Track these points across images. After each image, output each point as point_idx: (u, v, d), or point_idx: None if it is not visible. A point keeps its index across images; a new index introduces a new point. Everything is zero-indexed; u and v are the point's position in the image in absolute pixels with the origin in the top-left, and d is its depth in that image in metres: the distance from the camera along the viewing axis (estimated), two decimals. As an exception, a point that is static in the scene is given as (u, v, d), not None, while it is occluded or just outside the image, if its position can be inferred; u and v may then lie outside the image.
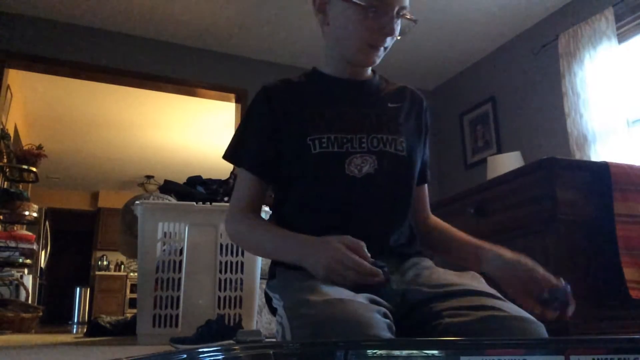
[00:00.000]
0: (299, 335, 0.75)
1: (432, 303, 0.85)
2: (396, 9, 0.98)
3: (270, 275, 1.06)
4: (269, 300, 1.05)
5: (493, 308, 0.79)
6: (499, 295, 0.86)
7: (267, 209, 2.33)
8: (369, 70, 1.13)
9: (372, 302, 0.79)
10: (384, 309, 0.78)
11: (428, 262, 1.02)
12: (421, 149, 1.11)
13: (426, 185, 1.20)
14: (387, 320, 0.75)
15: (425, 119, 1.14)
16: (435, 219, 1.18)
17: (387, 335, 0.72)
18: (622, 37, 3.27)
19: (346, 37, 1.02)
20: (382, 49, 1.02)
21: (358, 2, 0.97)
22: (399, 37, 1.02)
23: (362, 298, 0.78)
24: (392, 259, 0.97)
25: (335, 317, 0.71)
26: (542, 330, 0.77)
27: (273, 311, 1.02)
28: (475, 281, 0.92)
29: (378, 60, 1.05)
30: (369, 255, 0.85)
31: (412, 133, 1.08)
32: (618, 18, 3.22)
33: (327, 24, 1.06)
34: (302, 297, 0.79)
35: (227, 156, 1.11)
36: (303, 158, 1.00)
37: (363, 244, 0.86)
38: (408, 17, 1.01)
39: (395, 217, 1.04)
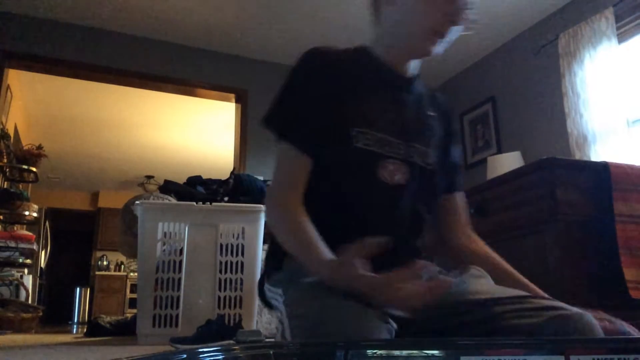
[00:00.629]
0: (297, 335, 0.75)
1: (488, 306, 0.82)
2: None
3: (274, 264, 0.97)
4: (261, 288, 0.99)
5: (553, 308, 0.78)
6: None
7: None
8: (416, 69, 1.05)
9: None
10: (386, 316, 0.75)
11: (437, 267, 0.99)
12: (446, 160, 1.06)
13: (459, 194, 1.09)
14: (388, 325, 0.74)
15: (453, 127, 1.10)
16: (476, 242, 1.05)
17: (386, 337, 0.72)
18: (622, 37, 3.27)
19: (410, 19, 0.95)
20: (445, 40, 0.95)
21: None
22: (461, 33, 0.96)
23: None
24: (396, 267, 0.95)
25: (333, 320, 0.71)
26: (598, 329, 0.78)
27: (265, 301, 0.99)
28: (488, 279, 0.92)
29: (437, 52, 0.97)
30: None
31: (440, 144, 1.04)
32: (618, 18, 3.22)
33: (390, 4, 0.99)
34: (305, 295, 0.78)
35: (273, 124, 0.96)
36: (341, 148, 0.92)
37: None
38: (472, 16, 0.95)
39: (412, 230, 1.00)
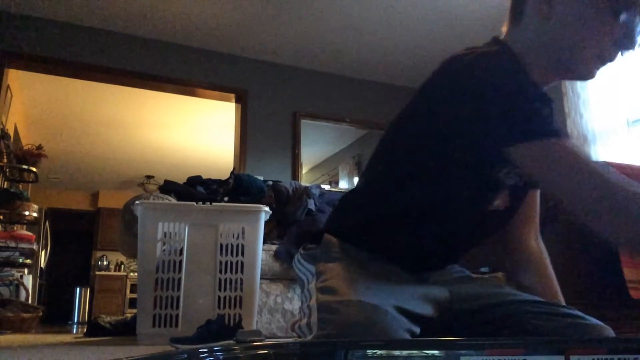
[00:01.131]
0: (324, 330, 0.75)
1: (506, 305, 0.85)
2: None
3: (313, 239, 0.96)
4: (295, 260, 0.99)
5: (571, 315, 0.82)
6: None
7: (266, 208, 2.34)
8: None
9: (403, 312, 0.77)
10: (413, 327, 0.77)
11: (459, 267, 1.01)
12: None
13: (537, 192, 1.02)
14: (410, 327, 0.77)
15: None
16: (539, 251, 1.02)
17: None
18: (622, 37, 3.27)
19: (574, 42, 0.84)
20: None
21: (612, 3, 0.80)
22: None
23: (394, 310, 0.76)
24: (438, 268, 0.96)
25: (362, 324, 0.72)
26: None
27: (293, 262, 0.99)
28: (505, 288, 0.93)
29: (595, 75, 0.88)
30: None
31: None
32: (618, 18, 3.22)
33: (547, 18, 0.86)
34: (338, 289, 0.78)
35: (543, 132, 0.76)
36: (488, 161, 0.84)
37: None
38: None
39: (481, 244, 0.98)
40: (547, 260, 1.01)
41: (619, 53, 0.85)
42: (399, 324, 0.75)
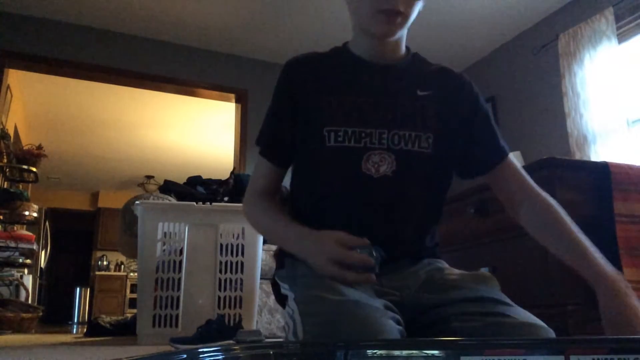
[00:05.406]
0: (310, 332, 0.74)
1: (442, 307, 0.85)
2: None
3: (279, 264, 1.02)
4: (276, 289, 1.00)
5: (502, 314, 0.79)
6: (509, 301, 0.84)
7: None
8: (402, 50, 1.02)
9: (387, 307, 0.78)
10: (397, 316, 0.77)
11: (442, 264, 0.99)
12: (457, 143, 0.99)
13: (507, 160, 1.01)
14: (400, 327, 0.76)
15: (467, 103, 1.00)
16: (544, 198, 0.96)
17: None
18: (622, 37, 3.27)
19: (358, 4, 0.93)
20: (399, 16, 0.91)
21: None
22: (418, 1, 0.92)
23: (378, 303, 0.78)
24: (405, 260, 0.95)
25: (349, 319, 0.71)
26: (551, 335, 0.77)
27: (280, 300, 1.00)
28: (488, 284, 0.90)
29: (398, 31, 0.94)
30: (365, 243, 0.83)
31: (444, 127, 0.97)
32: (618, 18, 3.22)
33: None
34: (317, 294, 0.78)
35: (257, 140, 1.05)
36: (317, 150, 0.94)
37: (356, 239, 0.83)
38: None
39: (415, 221, 0.97)
40: (557, 207, 0.95)
41: (397, 2, 0.88)
42: (382, 314, 0.74)
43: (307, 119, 0.97)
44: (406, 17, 0.92)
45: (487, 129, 1.02)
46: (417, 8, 0.94)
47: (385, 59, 0.99)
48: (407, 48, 1.03)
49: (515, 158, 1.06)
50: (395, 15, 0.91)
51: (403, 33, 0.97)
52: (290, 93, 1.00)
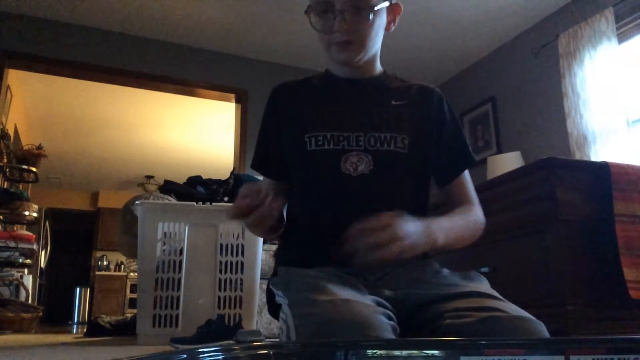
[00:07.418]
0: (303, 334, 0.75)
1: (435, 304, 0.85)
2: (337, 5, 1.00)
3: (273, 272, 1.07)
4: (271, 297, 1.03)
5: (494, 309, 0.79)
6: (500, 296, 0.86)
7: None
8: (377, 69, 1.12)
9: (378, 304, 0.79)
10: (388, 312, 0.78)
11: (433, 263, 1.01)
12: (432, 145, 1.06)
13: (462, 178, 1.10)
14: (392, 323, 0.76)
15: (438, 111, 1.08)
16: (467, 206, 1.07)
17: (391, 337, 0.72)
18: (622, 37, 3.27)
19: (318, 37, 1.07)
20: (351, 44, 1.01)
21: (307, 8, 1.05)
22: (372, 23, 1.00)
23: (369, 300, 0.79)
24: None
25: (340, 317, 0.72)
26: (543, 329, 0.77)
27: (274, 309, 1.02)
28: (478, 282, 0.92)
29: (358, 56, 1.03)
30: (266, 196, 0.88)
31: (419, 129, 1.04)
32: (618, 18, 3.22)
33: None
34: (308, 296, 0.80)
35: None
36: (300, 156, 1.04)
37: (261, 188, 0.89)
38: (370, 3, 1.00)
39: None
40: (471, 216, 1.05)
41: (336, 35, 1.00)
42: (374, 310, 0.75)
43: (289, 130, 1.07)
44: (360, 43, 1.02)
45: (455, 141, 1.10)
46: (376, 29, 1.03)
47: (361, 76, 1.10)
48: (384, 70, 1.14)
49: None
50: (347, 44, 1.01)
51: (370, 54, 1.06)
52: (275, 115, 1.11)
